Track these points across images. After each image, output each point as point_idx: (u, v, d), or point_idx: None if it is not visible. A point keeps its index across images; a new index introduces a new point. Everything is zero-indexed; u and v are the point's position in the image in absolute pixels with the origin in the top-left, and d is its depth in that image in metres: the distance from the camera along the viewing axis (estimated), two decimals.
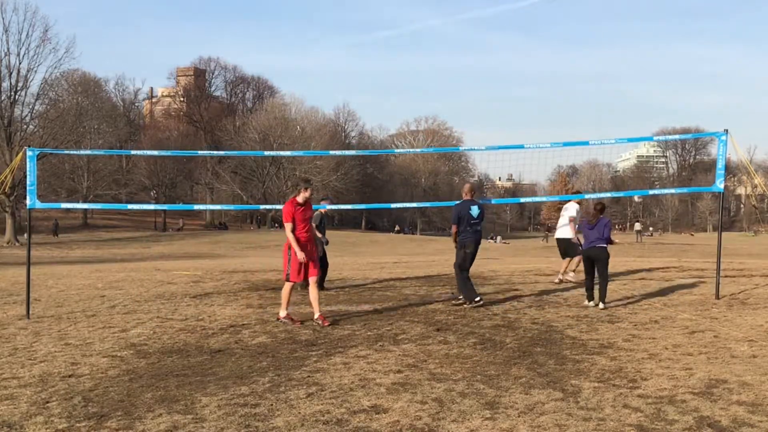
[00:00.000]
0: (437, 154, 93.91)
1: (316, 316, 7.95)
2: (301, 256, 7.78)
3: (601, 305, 9.01)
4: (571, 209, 12.09)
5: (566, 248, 12.09)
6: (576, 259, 11.72)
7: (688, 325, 7.74)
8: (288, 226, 7.86)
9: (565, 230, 12.11)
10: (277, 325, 8.07)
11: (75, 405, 4.86)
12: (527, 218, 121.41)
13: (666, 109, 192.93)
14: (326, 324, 7.83)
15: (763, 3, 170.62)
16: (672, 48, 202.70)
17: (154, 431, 4.28)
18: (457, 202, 9.48)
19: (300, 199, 8.02)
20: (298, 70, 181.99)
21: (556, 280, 12.18)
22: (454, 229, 9.31)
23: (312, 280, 8.01)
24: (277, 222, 78.56)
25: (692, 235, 76.25)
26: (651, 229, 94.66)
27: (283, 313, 8.15)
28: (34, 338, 7.44)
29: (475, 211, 9.20)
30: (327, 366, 5.94)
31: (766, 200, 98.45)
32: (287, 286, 8.12)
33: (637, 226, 56.99)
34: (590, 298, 9.33)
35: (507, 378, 5.44)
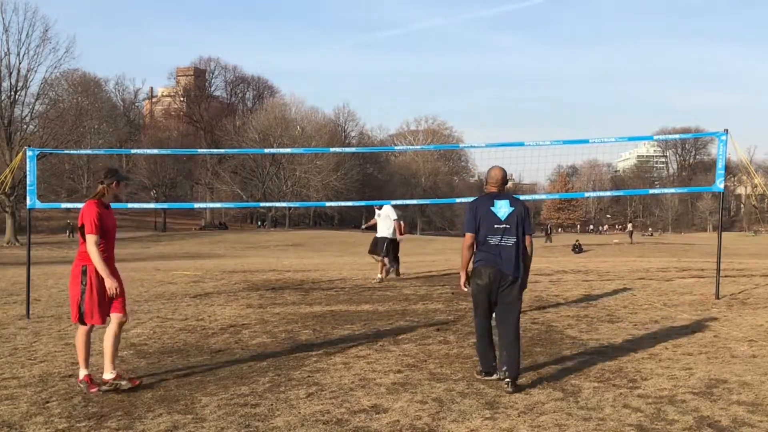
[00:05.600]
0: (437, 154, 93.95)
1: (107, 375, 5.27)
2: (111, 284, 5.20)
3: None
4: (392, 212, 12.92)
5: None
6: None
7: (688, 325, 7.74)
8: (92, 238, 5.17)
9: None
10: (278, 325, 8.08)
11: (75, 405, 4.86)
12: None
13: (666, 109, 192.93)
14: (99, 388, 5.22)
15: (763, 3, 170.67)
16: (672, 48, 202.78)
17: (154, 431, 4.28)
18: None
19: (107, 198, 5.46)
20: (298, 70, 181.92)
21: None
22: (466, 239, 5.40)
23: (115, 317, 5.35)
24: (277, 221, 78.58)
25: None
26: (650, 229, 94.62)
27: (82, 373, 5.33)
28: (34, 338, 7.44)
29: (502, 208, 5.35)
30: (327, 366, 5.94)
31: (766, 200, 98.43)
32: (82, 331, 5.37)
33: (630, 226, 57.20)
34: None
35: None
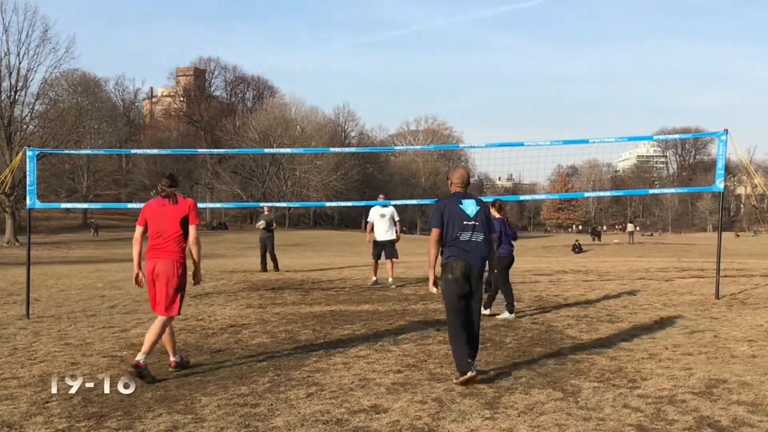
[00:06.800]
0: (437, 154, 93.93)
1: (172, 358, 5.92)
2: (199, 275, 5.90)
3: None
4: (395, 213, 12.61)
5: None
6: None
7: (688, 325, 7.74)
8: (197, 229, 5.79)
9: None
10: (278, 325, 8.08)
11: (75, 405, 4.86)
12: (527, 218, 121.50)
13: (666, 109, 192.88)
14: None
15: (763, 3, 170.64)
16: (672, 48, 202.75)
17: (154, 431, 4.28)
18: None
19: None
20: (298, 70, 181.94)
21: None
22: (434, 235, 5.50)
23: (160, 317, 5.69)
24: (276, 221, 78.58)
25: (737, 236, 75.37)
26: (650, 230, 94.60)
27: (171, 359, 5.94)
28: (34, 338, 7.44)
29: (469, 206, 5.53)
30: (327, 366, 5.94)
31: (766, 200, 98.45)
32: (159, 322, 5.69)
33: (630, 227, 57.20)
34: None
35: (507, 378, 5.45)
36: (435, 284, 5.57)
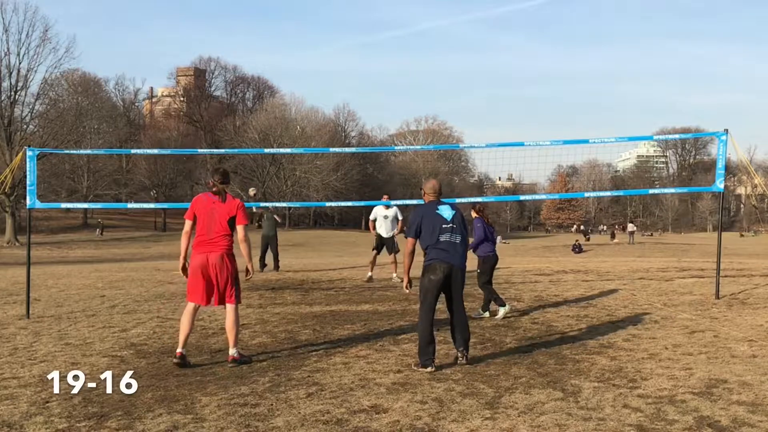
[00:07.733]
0: (437, 154, 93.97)
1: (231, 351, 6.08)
2: (251, 268, 6.25)
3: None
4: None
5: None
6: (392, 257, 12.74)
7: (688, 325, 7.74)
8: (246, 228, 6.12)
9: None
10: (278, 325, 8.08)
11: (75, 405, 4.86)
12: (527, 218, 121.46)
13: (666, 109, 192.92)
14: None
15: (763, 3, 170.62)
16: (672, 48, 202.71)
17: (154, 431, 4.28)
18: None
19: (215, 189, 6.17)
20: (298, 70, 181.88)
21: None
22: (408, 245, 5.96)
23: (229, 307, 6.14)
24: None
25: (742, 235, 75.07)
26: (651, 230, 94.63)
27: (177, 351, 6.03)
28: (34, 338, 7.44)
29: (445, 211, 5.98)
30: (327, 366, 5.94)
31: (766, 200, 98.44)
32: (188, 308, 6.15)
33: (630, 227, 57.17)
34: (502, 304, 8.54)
35: (507, 378, 5.45)
36: (409, 285, 6.09)
